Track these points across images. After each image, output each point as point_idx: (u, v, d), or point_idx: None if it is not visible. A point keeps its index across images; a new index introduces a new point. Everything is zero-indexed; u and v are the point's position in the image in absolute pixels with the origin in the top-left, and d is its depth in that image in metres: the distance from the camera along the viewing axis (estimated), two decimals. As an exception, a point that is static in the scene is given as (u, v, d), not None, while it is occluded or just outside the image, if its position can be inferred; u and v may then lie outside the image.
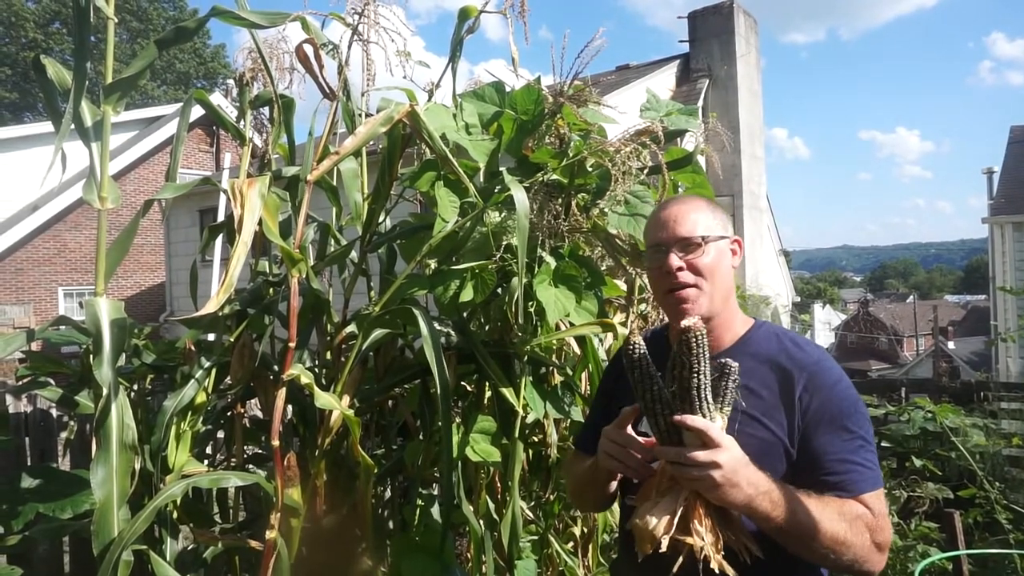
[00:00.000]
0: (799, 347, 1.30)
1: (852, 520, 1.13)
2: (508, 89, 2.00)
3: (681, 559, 1.06)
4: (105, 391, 1.50)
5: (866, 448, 1.21)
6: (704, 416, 1.08)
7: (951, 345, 28.18)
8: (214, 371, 1.94)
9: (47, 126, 13.10)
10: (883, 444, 3.82)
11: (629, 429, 1.21)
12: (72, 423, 2.64)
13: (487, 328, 2.18)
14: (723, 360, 1.13)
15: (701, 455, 1.06)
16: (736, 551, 1.09)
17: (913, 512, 3.19)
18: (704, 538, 1.06)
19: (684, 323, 1.08)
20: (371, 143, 1.86)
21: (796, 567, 1.20)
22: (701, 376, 1.08)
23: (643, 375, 1.13)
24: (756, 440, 1.20)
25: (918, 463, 3.53)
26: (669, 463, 1.10)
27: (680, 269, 1.28)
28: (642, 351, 1.13)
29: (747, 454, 1.11)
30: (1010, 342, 10.19)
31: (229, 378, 2.01)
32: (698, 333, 1.07)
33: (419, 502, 2.06)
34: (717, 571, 1.04)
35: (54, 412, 2.82)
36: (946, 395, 4.95)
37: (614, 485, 1.37)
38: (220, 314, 1.90)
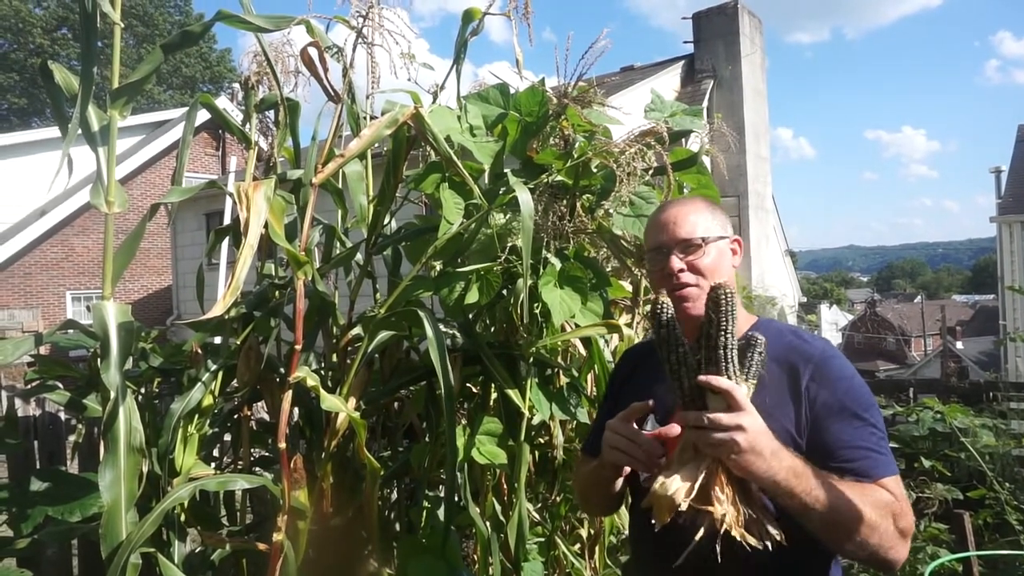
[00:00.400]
0: (804, 340, 1.30)
1: (876, 502, 1.11)
2: (512, 91, 2.00)
3: (702, 530, 1.03)
4: (113, 394, 1.50)
5: (879, 436, 1.20)
6: (730, 379, 1.06)
7: (959, 345, 28.01)
8: (221, 374, 1.95)
9: (54, 131, 13.15)
10: (892, 445, 3.78)
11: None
12: (80, 426, 2.65)
13: (493, 330, 2.18)
14: (751, 333, 1.13)
15: (725, 417, 1.03)
16: (756, 534, 1.05)
17: (922, 513, 3.17)
18: (724, 506, 1.03)
19: (714, 280, 1.09)
20: (376, 146, 1.86)
21: (806, 561, 1.18)
22: (728, 335, 1.06)
23: (670, 335, 1.11)
24: None
25: (927, 464, 3.51)
26: (691, 429, 1.08)
27: (681, 271, 1.29)
28: (671, 313, 1.13)
29: None
30: (1019, 342, 10.12)
31: (236, 381, 2.02)
32: (727, 291, 1.06)
33: (425, 504, 2.06)
34: (739, 539, 1.02)
35: (62, 416, 2.83)
36: (955, 395, 4.92)
37: (620, 484, 1.36)
38: (226, 317, 1.91)
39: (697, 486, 1.04)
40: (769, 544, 1.05)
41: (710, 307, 1.07)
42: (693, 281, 1.28)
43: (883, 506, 1.11)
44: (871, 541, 1.09)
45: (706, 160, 2.33)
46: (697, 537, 1.03)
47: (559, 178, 1.92)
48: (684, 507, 1.03)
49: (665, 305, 1.13)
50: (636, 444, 1.17)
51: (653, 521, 1.07)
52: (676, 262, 1.29)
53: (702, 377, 1.07)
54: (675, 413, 1.14)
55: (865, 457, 1.17)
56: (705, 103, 10.96)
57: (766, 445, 1.04)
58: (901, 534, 1.13)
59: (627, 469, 1.33)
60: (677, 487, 1.04)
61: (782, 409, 1.22)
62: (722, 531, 1.02)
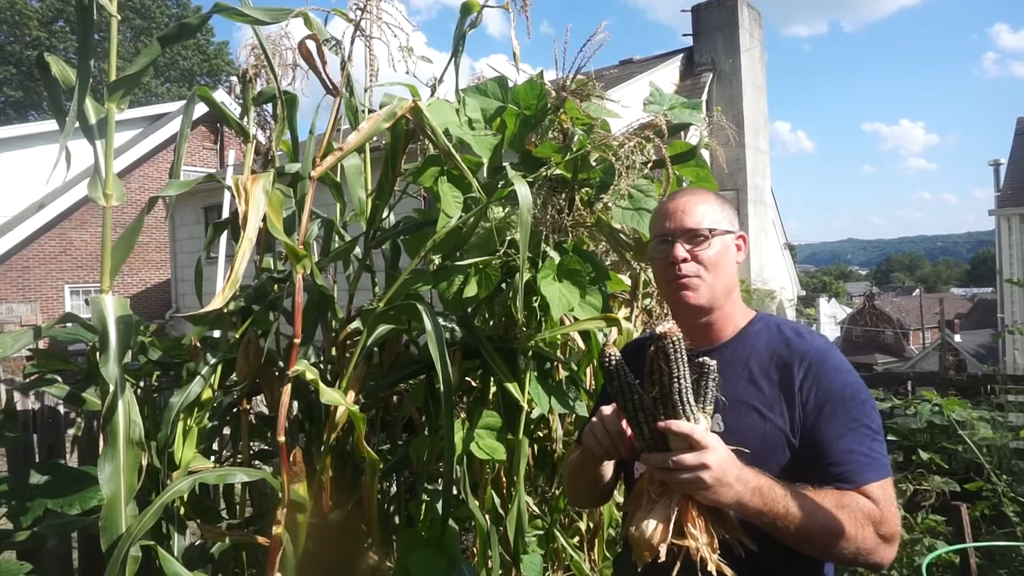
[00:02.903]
0: (800, 336, 1.29)
1: (853, 512, 1.11)
2: (511, 84, 2.00)
3: (679, 563, 1.05)
4: (112, 388, 1.50)
5: (871, 437, 1.19)
6: (688, 419, 1.08)
7: (957, 338, 28.06)
8: (220, 367, 1.95)
9: (52, 124, 13.11)
10: (890, 438, 3.82)
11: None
12: (79, 420, 2.65)
13: (492, 323, 2.18)
14: (701, 359, 1.13)
15: (689, 458, 1.05)
16: (731, 546, 1.08)
17: (920, 505, 3.19)
18: (699, 539, 1.06)
19: (659, 329, 1.08)
20: (375, 139, 1.86)
21: (795, 561, 1.18)
22: (681, 380, 1.08)
23: (622, 385, 1.13)
24: (756, 432, 1.20)
25: (925, 456, 3.52)
26: (657, 469, 1.10)
27: (685, 260, 1.28)
28: (617, 360, 1.13)
29: (747, 446, 1.11)
30: (1017, 335, 10.14)
31: (235, 374, 2.02)
32: (674, 338, 1.07)
33: (425, 497, 2.06)
34: (715, 572, 1.04)
35: (62, 409, 2.84)
36: (953, 388, 4.93)
37: (607, 474, 1.36)
38: (225, 311, 1.91)
39: (671, 526, 1.07)
40: (743, 554, 1.08)
41: (660, 358, 1.08)
42: (694, 272, 1.28)
43: (861, 515, 1.11)
44: (847, 551, 1.10)
45: (705, 153, 2.33)
46: (674, 572, 1.05)
47: (558, 171, 1.92)
48: (663, 552, 1.05)
49: (611, 356, 1.13)
50: (614, 440, 1.20)
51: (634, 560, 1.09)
52: (680, 251, 1.28)
53: (661, 424, 1.08)
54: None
55: (853, 461, 1.16)
56: (704, 96, 10.95)
57: (732, 475, 1.06)
58: (884, 540, 1.12)
59: (609, 468, 1.34)
60: (652, 529, 1.07)
61: (775, 407, 1.22)
62: (699, 562, 1.04)
